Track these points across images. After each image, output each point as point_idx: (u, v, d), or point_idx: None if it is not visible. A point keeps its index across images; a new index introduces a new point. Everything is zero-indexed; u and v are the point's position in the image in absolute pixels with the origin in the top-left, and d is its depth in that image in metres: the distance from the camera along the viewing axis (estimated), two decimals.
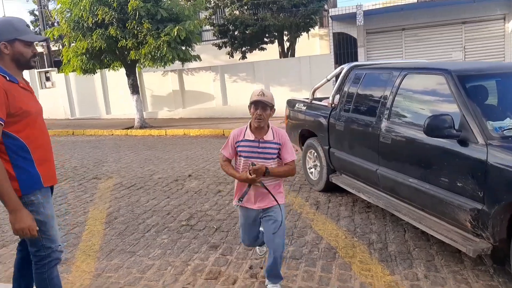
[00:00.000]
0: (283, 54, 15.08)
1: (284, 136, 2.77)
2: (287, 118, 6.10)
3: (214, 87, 14.56)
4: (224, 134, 10.87)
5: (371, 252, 3.47)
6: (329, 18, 12.51)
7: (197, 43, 13.01)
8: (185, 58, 12.12)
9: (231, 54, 14.83)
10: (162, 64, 11.93)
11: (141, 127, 12.59)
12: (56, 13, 12.00)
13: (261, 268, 3.26)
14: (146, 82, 15.44)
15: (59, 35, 12.39)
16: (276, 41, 14.97)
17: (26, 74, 17.19)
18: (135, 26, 11.05)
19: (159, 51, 11.07)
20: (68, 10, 11.43)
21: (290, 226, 4.12)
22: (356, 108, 4.44)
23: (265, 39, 14.68)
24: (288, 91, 12.98)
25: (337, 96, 4.90)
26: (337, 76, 5.28)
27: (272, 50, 15.22)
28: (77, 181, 6.49)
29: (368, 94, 4.41)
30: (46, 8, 21.09)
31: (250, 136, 2.72)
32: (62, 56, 12.35)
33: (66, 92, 16.77)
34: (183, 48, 12.13)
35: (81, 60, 11.82)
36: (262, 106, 2.63)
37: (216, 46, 15.15)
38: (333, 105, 4.89)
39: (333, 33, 12.34)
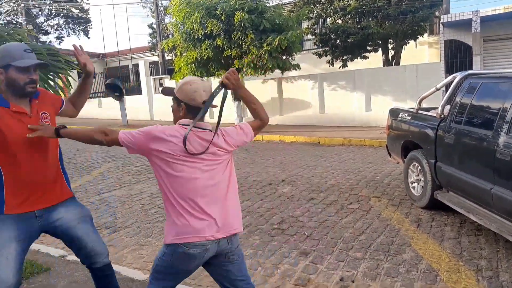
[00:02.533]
0: (387, 62, 14.46)
1: None
2: (388, 128, 5.81)
3: (312, 95, 14.54)
4: (319, 142, 10.76)
5: (479, 279, 3.10)
6: (441, 25, 11.62)
7: (297, 53, 13.18)
8: (285, 67, 12.37)
9: (331, 63, 14.70)
10: (263, 72, 12.34)
11: None
12: (171, 26, 13.22)
13: (353, 281, 3.13)
14: (248, 90, 16.05)
15: (173, 46, 13.59)
16: (380, 49, 14.43)
17: (143, 80, 19.24)
18: (240, 37, 11.63)
19: (261, 60, 11.48)
20: (181, 23, 12.50)
21: (387, 242, 3.89)
22: (469, 120, 4.04)
23: (368, 48, 14.25)
24: (391, 100, 12.37)
25: (447, 107, 4.51)
26: (447, 86, 4.88)
27: (374, 59, 14.69)
28: None
29: (484, 105, 3.98)
30: (163, 21, 23.31)
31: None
32: (174, 65, 13.53)
33: None
34: (283, 57, 12.41)
35: (191, 68, 12.82)
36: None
37: (316, 55, 15.17)
38: (442, 116, 4.51)
39: (445, 41, 11.42)
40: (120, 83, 17.73)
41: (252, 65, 11.82)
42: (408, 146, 5.24)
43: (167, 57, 22.82)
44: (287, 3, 16.16)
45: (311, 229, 4.29)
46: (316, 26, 15.24)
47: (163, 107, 18.46)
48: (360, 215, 4.69)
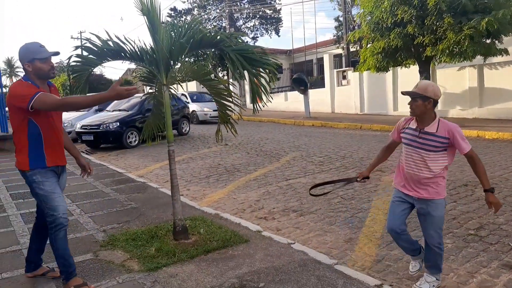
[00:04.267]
0: None
1: (454, 130, 2.68)
2: None
3: None
4: None
5: None
6: None
7: (508, 35, 11.21)
8: (489, 53, 10.71)
9: None
10: (461, 60, 10.99)
11: None
12: (358, 17, 13.08)
13: None
14: (439, 79, 14.60)
15: (359, 37, 13.44)
16: None
17: (327, 73, 19.69)
18: (434, 22, 10.64)
19: (459, 46, 10.25)
20: (370, 13, 12.22)
21: None
22: None
23: None
24: None
25: None
26: None
27: None
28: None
29: None
30: (349, 13, 23.24)
31: (413, 124, 2.81)
32: (359, 56, 13.38)
33: (358, 89, 18.04)
34: (488, 41, 10.75)
35: (377, 59, 12.46)
36: (410, 97, 2.72)
37: None
38: None
39: None
40: (305, 77, 18.62)
41: (447, 51, 10.67)
42: None
43: (352, 49, 22.72)
44: None
45: None
46: None
47: (345, 99, 18.53)
48: None
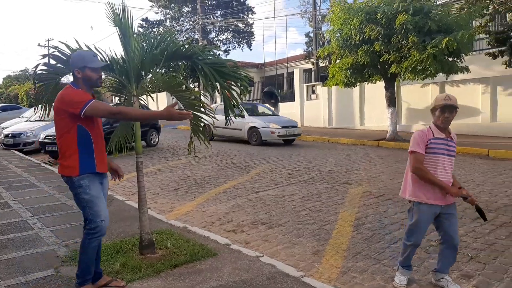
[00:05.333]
0: None
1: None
2: None
3: (482, 100, 12.91)
4: (488, 155, 9.48)
5: None
6: None
7: (467, 54, 11.85)
8: (451, 70, 11.27)
9: (508, 64, 12.72)
10: (424, 77, 11.50)
11: (393, 140, 12.52)
12: (328, 34, 13.45)
13: None
14: (404, 95, 15.20)
15: (328, 53, 13.80)
16: None
17: (297, 87, 20.04)
18: (400, 40, 11.10)
19: (422, 64, 10.73)
20: (339, 30, 12.60)
21: None
22: None
23: None
24: None
25: None
26: None
27: None
28: (330, 183, 7.08)
29: None
30: (319, 30, 23.84)
31: (440, 134, 3.01)
32: (328, 72, 13.73)
33: (327, 103, 18.47)
34: (450, 59, 11.33)
35: (345, 75, 12.84)
36: (449, 109, 2.93)
37: (489, 56, 13.34)
38: None
39: None
40: (276, 90, 18.87)
41: (411, 69, 11.14)
42: None
43: (321, 64, 23.26)
44: (457, 0, 14.67)
45: (476, 251, 3.86)
46: (490, 24, 13.42)
47: (314, 113, 18.89)
48: None
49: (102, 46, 4.12)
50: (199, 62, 3.74)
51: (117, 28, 3.63)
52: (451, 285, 3.11)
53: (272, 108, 16.35)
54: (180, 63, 5.23)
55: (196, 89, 23.34)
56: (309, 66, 24.20)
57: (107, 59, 3.75)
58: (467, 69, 11.90)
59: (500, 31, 12.63)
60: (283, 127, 12.75)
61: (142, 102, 4.25)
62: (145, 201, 3.83)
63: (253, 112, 13.97)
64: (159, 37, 3.93)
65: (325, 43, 20.92)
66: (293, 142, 13.53)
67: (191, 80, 25.90)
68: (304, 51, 29.22)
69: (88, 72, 2.84)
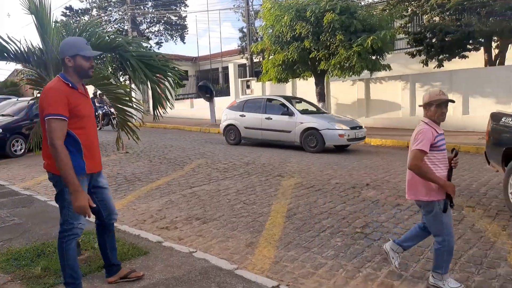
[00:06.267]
0: (490, 62, 13.22)
1: None
2: (488, 133, 5.37)
3: (402, 96, 13.93)
4: (408, 146, 10.25)
5: None
6: None
7: (389, 53, 12.71)
8: (375, 68, 12.01)
9: (425, 63, 13.89)
10: (350, 74, 12.12)
11: None
12: (261, 30, 13.62)
13: None
14: (333, 91, 15.87)
15: (261, 49, 13.99)
16: (482, 48, 13.25)
17: (232, 82, 20.09)
18: (328, 38, 11.57)
19: (349, 62, 11.30)
20: (271, 26, 12.81)
21: (480, 254, 3.64)
22: None
23: (468, 46, 13.18)
24: (493, 103, 11.36)
25: None
26: None
27: (473, 58, 13.54)
28: (264, 176, 7.21)
29: None
30: (253, 25, 24.05)
31: (440, 130, 3.00)
32: (261, 67, 13.92)
33: None
34: (373, 58, 12.06)
35: (277, 71, 13.10)
36: (445, 104, 2.95)
37: (409, 55, 14.45)
38: None
39: None
40: (211, 85, 18.72)
41: (339, 66, 11.69)
42: (510, 154, 4.80)
43: (255, 60, 23.51)
44: (380, 2, 15.64)
45: (397, 236, 4.16)
46: (409, 25, 14.52)
47: None
48: None
49: (20, 35, 3.81)
50: (125, 54, 3.61)
51: (33, 16, 3.38)
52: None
53: (318, 105, 12.74)
54: (108, 55, 5.00)
55: (127, 82, 22.40)
56: (244, 61, 24.37)
57: (23, 49, 3.47)
58: (389, 67, 12.76)
59: (417, 32, 13.71)
60: (352, 127, 10.02)
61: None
62: None
63: (304, 110, 10.97)
64: (81, 26, 3.72)
65: (259, 39, 21.16)
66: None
67: (121, 73, 24.78)
68: (238, 46, 29.32)
69: (79, 61, 2.66)
